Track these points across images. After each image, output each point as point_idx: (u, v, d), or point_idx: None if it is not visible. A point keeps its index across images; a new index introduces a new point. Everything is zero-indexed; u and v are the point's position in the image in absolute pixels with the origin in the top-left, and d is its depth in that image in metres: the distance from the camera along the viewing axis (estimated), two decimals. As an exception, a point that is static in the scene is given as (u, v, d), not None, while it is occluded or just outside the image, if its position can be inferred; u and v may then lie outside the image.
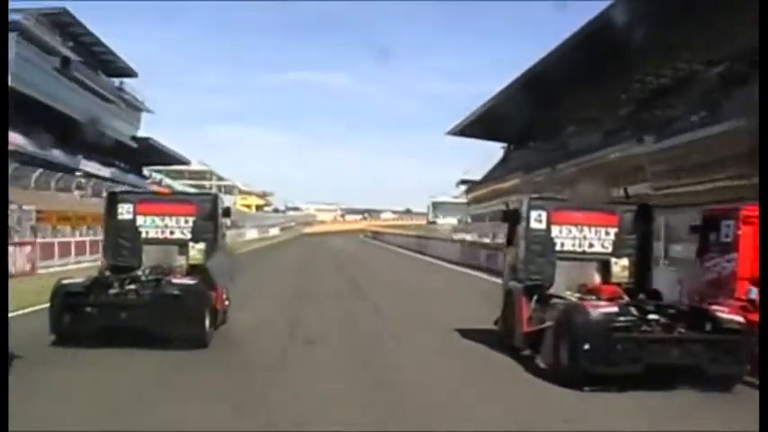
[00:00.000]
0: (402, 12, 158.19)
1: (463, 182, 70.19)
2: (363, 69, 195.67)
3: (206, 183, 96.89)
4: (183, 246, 10.80)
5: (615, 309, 7.88)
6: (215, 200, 11.49)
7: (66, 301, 9.24)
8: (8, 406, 5.21)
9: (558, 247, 9.99)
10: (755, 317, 7.96)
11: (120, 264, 10.67)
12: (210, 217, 11.10)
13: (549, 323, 8.68)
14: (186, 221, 10.96)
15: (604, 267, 9.98)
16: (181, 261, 10.74)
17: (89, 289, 9.43)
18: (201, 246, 10.65)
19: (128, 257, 10.78)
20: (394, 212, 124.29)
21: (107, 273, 10.36)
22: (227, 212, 11.84)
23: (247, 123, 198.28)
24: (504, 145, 64.38)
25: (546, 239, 9.96)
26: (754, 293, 8.57)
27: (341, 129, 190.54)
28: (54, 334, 9.25)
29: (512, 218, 10.55)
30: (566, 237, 10.01)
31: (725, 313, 7.87)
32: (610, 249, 10.04)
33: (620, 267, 9.88)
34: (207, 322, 9.52)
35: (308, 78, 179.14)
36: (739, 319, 7.79)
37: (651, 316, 7.98)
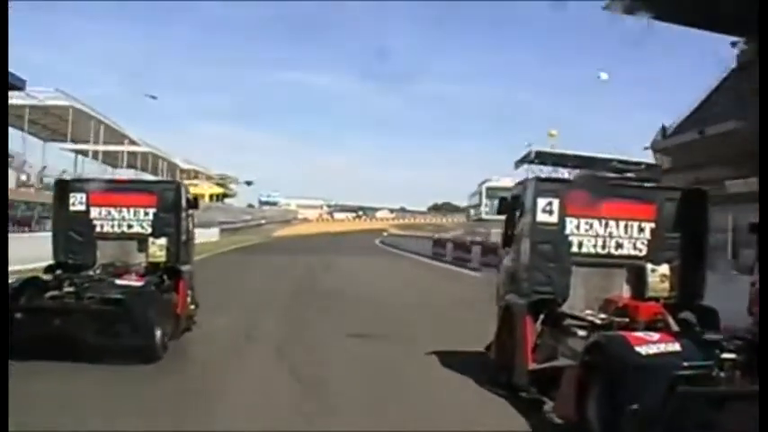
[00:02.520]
0: (394, 12, 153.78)
1: (538, 155, 39.24)
2: (353, 70, 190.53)
3: (74, 146, 46.67)
4: (142, 241, 9.73)
5: (677, 346, 5.15)
6: (178, 189, 10.26)
7: None
8: (8, 406, 4.76)
9: (574, 248, 7.39)
10: None
11: (71, 261, 9.57)
12: (174, 209, 9.94)
13: (566, 361, 5.99)
14: (146, 214, 9.85)
15: (637, 276, 7.36)
16: (140, 258, 9.70)
17: (20, 291, 8.21)
18: (163, 241, 9.59)
19: (80, 254, 9.70)
20: (391, 210, 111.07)
21: (58, 272, 9.16)
22: (193, 203, 10.61)
23: (231, 122, 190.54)
24: (739, 40, 32.72)
25: (558, 237, 7.34)
26: None
27: (329, 129, 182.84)
28: None
29: (511, 208, 7.86)
30: (585, 234, 7.40)
31: None
32: (644, 252, 7.44)
33: (659, 277, 7.25)
34: (158, 331, 8.22)
35: (296, 79, 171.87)
36: None
37: (726, 355, 5.27)
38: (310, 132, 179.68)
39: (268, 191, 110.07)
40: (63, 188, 10.12)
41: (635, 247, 7.44)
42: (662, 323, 6.54)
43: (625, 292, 7.42)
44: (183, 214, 10.10)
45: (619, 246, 7.43)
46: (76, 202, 9.83)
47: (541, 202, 7.28)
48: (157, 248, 9.56)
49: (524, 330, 6.89)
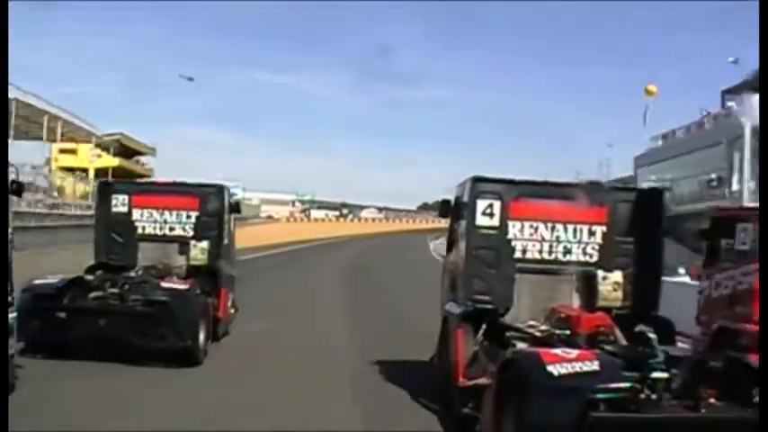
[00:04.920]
0: (381, 17, 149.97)
1: (728, 93, 28.61)
2: (331, 72, 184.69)
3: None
4: (183, 244, 9.73)
5: (596, 365, 4.56)
6: (221, 192, 10.14)
7: (35, 304, 7.76)
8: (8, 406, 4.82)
9: (518, 254, 6.86)
10: None
11: (112, 262, 9.54)
12: (216, 212, 9.92)
13: (485, 380, 5.44)
14: (188, 217, 9.84)
15: (587, 284, 6.83)
16: (181, 261, 9.71)
17: (63, 291, 8.19)
18: (204, 244, 9.57)
19: (121, 256, 9.70)
20: (379, 209, 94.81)
21: (98, 273, 9.07)
22: (236, 207, 10.58)
23: (210, 124, 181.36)
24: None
25: (500, 242, 6.82)
26: None
27: (308, 130, 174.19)
28: (21, 342, 7.32)
29: (451, 211, 7.32)
30: (529, 238, 6.87)
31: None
32: (595, 257, 6.88)
33: (611, 284, 6.75)
34: (201, 335, 8.18)
35: (271, 80, 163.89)
36: None
37: (656, 374, 4.69)
38: (288, 133, 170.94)
39: (220, 180, 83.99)
40: (106, 190, 10.10)
41: (585, 253, 6.89)
42: (605, 336, 5.98)
43: (575, 301, 6.87)
44: (226, 217, 10.01)
45: (567, 251, 6.89)
46: (119, 203, 9.82)
47: (481, 203, 6.75)
48: (199, 251, 9.52)
49: (457, 344, 6.36)
